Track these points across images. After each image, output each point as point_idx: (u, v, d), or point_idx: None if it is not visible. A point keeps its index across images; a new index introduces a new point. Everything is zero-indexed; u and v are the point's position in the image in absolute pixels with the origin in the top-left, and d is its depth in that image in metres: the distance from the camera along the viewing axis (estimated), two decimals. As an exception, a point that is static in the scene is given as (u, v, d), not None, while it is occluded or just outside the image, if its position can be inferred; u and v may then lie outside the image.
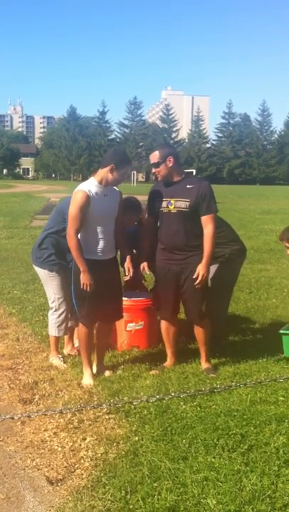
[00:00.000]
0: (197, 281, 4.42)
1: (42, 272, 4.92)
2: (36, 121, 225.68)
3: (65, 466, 3.21)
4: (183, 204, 4.46)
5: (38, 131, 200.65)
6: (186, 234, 4.50)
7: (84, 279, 4.25)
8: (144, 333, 5.17)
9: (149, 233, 4.78)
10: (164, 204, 4.55)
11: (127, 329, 5.10)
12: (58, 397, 4.16)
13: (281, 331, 4.87)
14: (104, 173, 4.30)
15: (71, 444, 3.46)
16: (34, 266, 5.02)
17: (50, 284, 4.87)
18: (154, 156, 4.57)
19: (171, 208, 4.50)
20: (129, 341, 5.15)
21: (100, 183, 4.32)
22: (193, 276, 4.43)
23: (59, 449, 3.42)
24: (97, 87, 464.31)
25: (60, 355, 5.00)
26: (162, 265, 4.65)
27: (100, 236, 4.38)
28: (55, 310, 4.88)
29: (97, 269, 4.28)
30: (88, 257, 4.28)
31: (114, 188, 4.49)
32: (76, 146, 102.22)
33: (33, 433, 3.66)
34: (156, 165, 4.55)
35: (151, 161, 4.65)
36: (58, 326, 4.89)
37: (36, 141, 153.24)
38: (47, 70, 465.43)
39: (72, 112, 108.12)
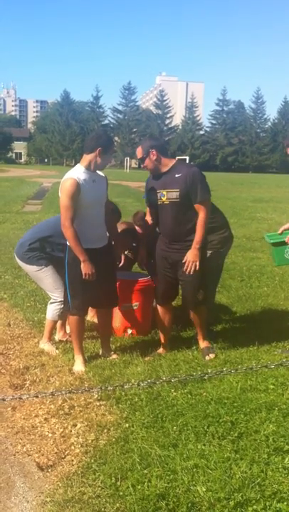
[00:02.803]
0: (185, 267, 4.41)
1: (30, 268, 4.87)
2: (29, 105, 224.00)
3: (56, 452, 3.22)
4: (174, 194, 4.43)
5: (31, 115, 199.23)
6: (181, 224, 4.49)
7: (85, 268, 4.21)
8: (138, 313, 5.15)
9: (149, 228, 4.85)
10: (158, 196, 4.54)
11: (122, 309, 5.08)
12: (49, 383, 4.16)
13: (270, 241, 4.71)
14: (91, 157, 4.25)
15: (62, 430, 3.46)
16: (21, 262, 4.92)
17: (44, 277, 4.83)
18: (138, 152, 4.57)
19: (164, 199, 4.50)
20: (123, 322, 5.13)
21: (88, 168, 4.27)
22: (182, 261, 4.43)
23: (50, 435, 3.42)
24: (92, 71, 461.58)
25: (51, 342, 4.99)
26: (161, 253, 4.65)
27: (92, 223, 4.35)
28: (59, 300, 4.80)
29: (93, 257, 4.25)
30: (84, 246, 4.24)
31: (100, 173, 4.44)
32: (69, 131, 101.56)
33: (23, 419, 3.66)
34: (142, 160, 4.57)
35: (137, 157, 4.66)
36: (59, 313, 4.89)
37: (29, 125, 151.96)
38: (41, 54, 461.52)
39: (65, 96, 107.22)
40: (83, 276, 4.23)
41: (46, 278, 4.82)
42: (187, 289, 4.63)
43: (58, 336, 5.16)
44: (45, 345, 4.91)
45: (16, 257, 4.98)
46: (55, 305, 4.84)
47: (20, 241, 4.96)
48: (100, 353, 4.72)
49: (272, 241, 4.62)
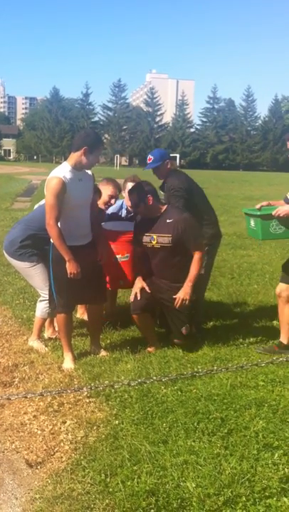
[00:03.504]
0: (176, 303, 4.50)
1: (22, 265, 4.81)
2: (18, 102, 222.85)
3: (45, 449, 3.20)
4: (166, 239, 4.55)
5: (20, 112, 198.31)
6: (172, 268, 4.63)
7: (70, 268, 4.19)
8: (129, 265, 5.03)
9: (137, 257, 4.87)
10: (147, 239, 4.62)
11: (113, 260, 4.96)
12: (38, 381, 4.14)
13: (258, 213, 4.64)
14: (77, 156, 4.20)
15: (51, 427, 3.44)
16: (11, 258, 4.85)
17: (35, 274, 4.78)
18: (133, 198, 4.62)
19: (154, 243, 4.60)
20: (115, 273, 5.02)
21: (74, 167, 4.23)
22: (173, 296, 4.52)
23: (39, 432, 3.41)
24: (81, 68, 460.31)
25: (40, 339, 4.97)
26: (152, 281, 4.72)
27: (78, 221, 4.33)
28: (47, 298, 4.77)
29: (79, 255, 4.23)
30: (69, 243, 4.21)
31: (87, 171, 4.40)
32: (59, 128, 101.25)
33: (12, 416, 3.64)
34: (136, 206, 4.63)
35: (130, 203, 4.70)
36: (48, 311, 4.85)
37: (18, 122, 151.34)
38: (30, 50, 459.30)
39: (55, 93, 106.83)
40: (68, 275, 4.21)
41: (37, 275, 4.78)
42: (173, 321, 4.71)
43: (47, 334, 5.14)
44: (34, 342, 4.89)
45: (5, 254, 4.91)
46: (45, 303, 4.81)
47: (10, 238, 4.87)
48: (90, 350, 4.70)
49: (259, 213, 4.56)
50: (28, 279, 4.96)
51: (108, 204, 5.19)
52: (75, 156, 4.21)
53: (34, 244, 4.73)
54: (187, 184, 5.04)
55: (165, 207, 4.65)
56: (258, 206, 4.61)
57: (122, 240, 4.99)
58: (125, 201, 5.46)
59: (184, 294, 4.49)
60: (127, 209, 5.48)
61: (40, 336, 4.98)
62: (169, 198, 4.95)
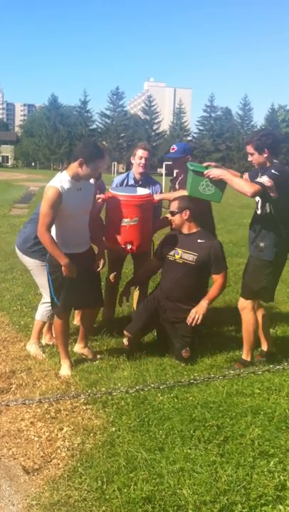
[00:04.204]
0: (189, 318, 4.56)
1: (33, 262, 4.85)
2: (17, 109, 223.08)
3: (42, 456, 3.22)
4: (190, 257, 4.67)
5: (19, 118, 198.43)
6: (187, 287, 4.71)
7: (66, 271, 4.22)
8: (138, 229, 4.92)
9: (148, 267, 5.11)
10: (171, 252, 4.75)
11: (122, 224, 4.87)
12: (35, 387, 4.15)
13: (191, 168, 4.62)
14: (74, 167, 4.23)
15: (48, 433, 3.46)
16: (23, 255, 4.92)
17: (43, 273, 4.81)
18: (174, 205, 4.78)
19: (178, 257, 4.71)
20: (123, 237, 4.93)
21: (72, 177, 4.26)
22: (188, 317, 4.58)
23: (36, 438, 3.42)
24: (80, 76, 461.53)
25: (38, 344, 4.98)
26: (156, 300, 4.81)
27: (74, 230, 4.36)
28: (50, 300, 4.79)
29: (76, 261, 4.26)
30: (66, 251, 4.24)
31: (89, 181, 4.44)
32: (57, 135, 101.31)
33: (9, 422, 3.65)
34: (172, 213, 4.78)
35: (170, 209, 4.82)
36: (49, 314, 4.87)
37: (16, 128, 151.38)
38: (29, 58, 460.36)
39: (53, 100, 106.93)
40: (64, 275, 4.26)
41: (45, 273, 4.80)
42: (176, 344, 4.74)
43: (44, 340, 5.15)
44: (31, 346, 4.90)
45: (18, 252, 4.96)
46: (46, 305, 4.83)
47: (23, 236, 4.94)
48: (75, 348, 4.76)
49: (192, 168, 4.57)
50: (37, 277, 4.97)
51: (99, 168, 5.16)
52: (72, 167, 4.24)
53: None
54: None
55: (198, 229, 4.80)
56: (205, 164, 4.61)
57: (132, 204, 4.88)
58: (134, 169, 5.45)
59: (200, 309, 4.57)
60: (134, 178, 5.47)
61: (38, 341, 4.99)
62: (184, 186, 5.02)
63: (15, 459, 3.23)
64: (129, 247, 4.92)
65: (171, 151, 5.28)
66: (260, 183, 4.16)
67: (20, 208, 20.54)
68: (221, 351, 4.90)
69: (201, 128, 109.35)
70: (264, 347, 4.94)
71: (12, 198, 24.33)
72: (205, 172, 4.46)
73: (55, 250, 4.19)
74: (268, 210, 4.37)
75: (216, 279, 4.74)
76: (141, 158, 5.30)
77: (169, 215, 4.86)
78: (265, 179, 4.16)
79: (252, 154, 4.44)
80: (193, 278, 4.71)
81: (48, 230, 4.16)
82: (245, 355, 4.62)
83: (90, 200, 4.45)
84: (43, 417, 3.66)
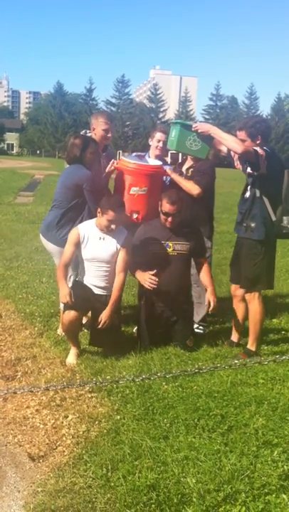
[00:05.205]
0: (211, 308, 4.61)
1: (58, 250, 4.82)
2: (22, 96, 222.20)
3: (47, 443, 3.24)
4: (184, 247, 4.66)
5: (24, 106, 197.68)
6: (181, 276, 4.73)
7: (61, 297, 4.42)
8: (146, 198, 4.84)
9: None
10: (160, 246, 4.66)
11: (130, 193, 4.80)
12: (41, 375, 4.18)
13: (178, 121, 4.64)
14: (98, 217, 4.46)
15: (53, 421, 3.48)
16: (48, 242, 4.90)
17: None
18: (173, 208, 4.61)
19: (170, 250, 4.65)
20: (130, 205, 4.85)
21: (97, 225, 4.47)
22: (206, 304, 4.69)
23: (41, 426, 3.44)
24: (85, 63, 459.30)
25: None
26: (154, 310, 4.77)
27: (90, 275, 4.55)
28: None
29: (90, 299, 4.52)
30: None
31: (119, 232, 4.52)
32: (62, 123, 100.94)
33: (15, 410, 3.68)
34: (174, 216, 4.62)
35: (168, 210, 4.63)
36: None
37: (22, 116, 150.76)
38: (35, 45, 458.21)
39: (59, 88, 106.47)
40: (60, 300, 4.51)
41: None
42: (178, 336, 4.77)
43: (59, 330, 5.11)
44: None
45: (42, 239, 4.97)
46: None
47: (45, 223, 4.98)
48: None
49: (180, 121, 4.52)
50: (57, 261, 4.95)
51: (106, 138, 5.09)
52: (98, 216, 4.47)
53: (70, 219, 4.80)
54: (212, 171, 5.12)
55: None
56: (195, 125, 4.55)
57: (142, 172, 4.82)
58: (150, 151, 5.34)
59: (214, 297, 4.63)
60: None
61: None
62: (195, 175, 4.96)
63: (20, 446, 3.25)
64: (135, 216, 4.87)
65: None
66: (253, 149, 4.22)
67: (26, 196, 20.56)
68: (226, 341, 4.91)
69: (207, 117, 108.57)
70: (234, 338, 4.95)
71: (17, 186, 24.33)
72: (193, 126, 4.43)
73: (59, 281, 4.45)
74: (257, 194, 4.39)
75: (203, 263, 4.78)
76: (159, 141, 5.19)
77: (163, 216, 4.67)
78: (258, 148, 4.24)
79: (244, 141, 4.40)
80: (185, 266, 4.77)
81: (64, 264, 4.45)
82: (251, 345, 4.63)
83: (113, 252, 4.51)
84: (48, 404, 3.69)
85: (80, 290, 4.47)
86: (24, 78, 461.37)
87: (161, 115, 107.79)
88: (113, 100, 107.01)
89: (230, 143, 4.26)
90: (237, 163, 4.74)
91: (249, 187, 4.45)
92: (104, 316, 4.36)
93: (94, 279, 4.55)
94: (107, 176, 4.94)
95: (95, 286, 4.55)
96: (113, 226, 4.41)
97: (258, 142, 4.38)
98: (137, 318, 4.85)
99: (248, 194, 4.46)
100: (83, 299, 4.43)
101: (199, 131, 4.45)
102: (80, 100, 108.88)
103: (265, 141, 4.44)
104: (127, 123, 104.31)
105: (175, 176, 4.89)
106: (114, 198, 4.58)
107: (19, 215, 14.02)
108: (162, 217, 4.65)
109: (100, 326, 4.37)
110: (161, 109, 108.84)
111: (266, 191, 4.38)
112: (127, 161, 4.81)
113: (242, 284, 4.66)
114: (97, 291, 4.55)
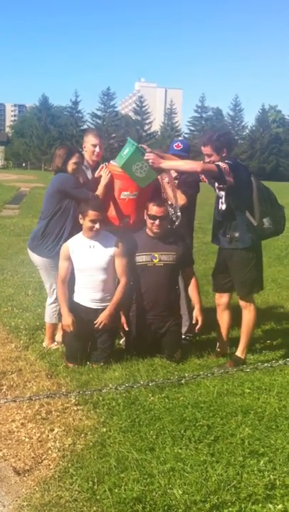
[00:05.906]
0: (198, 327, 4.68)
1: (41, 261, 4.87)
2: (7, 109, 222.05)
3: (33, 457, 3.21)
4: (170, 257, 4.65)
5: (9, 119, 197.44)
6: (169, 287, 4.72)
7: (63, 320, 4.53)
8: (136, 203, 4.80)
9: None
10: (145, 258, 4.64)
11: (121, 197, 4.78)
12: (26, 388, 4.15)
13: (134, 143, 4.55)
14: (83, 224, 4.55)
15: (39, 434, 3.45)
16: (32, 253, 4.92)
17: (50, 273, 4.86)
18: (160, 211, 4.62)
19: (156, 261, 4.64)
20: (121, 210, 4.82)
21: (84, 234, 4.55)
22: (193, 322, 4.73)
23: (26, 439, 3.41)
24: (71, 76, 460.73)
25: (56, 342, 5.05)
26: (142, 322, 4.74)
27: (84, 286, 4.59)
28: (56, 298, 4.85)
29: (85, 315, 4.56)
30: (76, 299, 4.60)
31: (110, 236, 4.58)
32: (47, 135, 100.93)
33: (0, 424, 3.64)
34: (161, 218, 4.61)
35: (156, 213, 4.63)
36: (58, 314, 4.88)
37: (7, 129, 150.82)
38: (19, 57, 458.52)
39: (44, 100, 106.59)
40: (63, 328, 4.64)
41: (52, 273, 4.84)
42: (166, 349, 4.75)
43: (57, 337, 5.11)
44: (49, 348, 4.98)
45: (28, 249, 5.00)
46: (54, 306, 4.89)
47: (31, 235, 5.04)
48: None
49: (136, 145, 4.48)
50: (44, 277, 4.99)
51: (97, 154, 5.13)
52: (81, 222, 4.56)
53: (54, 227, 4.79)
54: (197, 184, 5.23)
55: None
56: (148, 155, 4.43)
57: None
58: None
59: (202, 316, 4.68)
60: None
61: (53, 341, 5.06)
62: (182, 186, 5.03)
63: (5, 460, 3.22)
64: (126, 220, 4.85)
65: (176, 147, 5.23)
66: (215, 164, 4.28)
67: (11, 208, 20.49)
68: (212, 352, 4.93)
69: (192, 128, 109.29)
70: (220, 348, 4.96)
71: (3, 199, 24.22)
72: (146, 155, 4.39)
73: (61, 304, 4.56)
74: (233, 205, 4.46)
75: (190, 276, 4.82)
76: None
77: (150, 221, 4.65)
78: (219, 163, 4.30)
79: (210, 156, 4.47)
80: (172, 277, 4.75)
81: (61, 281, 4.57)
82: (241, 353, 4.65)
83: (106, 258, 4.55)
84: (33, 417, 3.66)
85: (77, 323, 4.51)
86: (9, 91, 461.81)
87: (146, 127, 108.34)
88: (99, 113, 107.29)
89: (188, 167, 4.42)
90: (202, 177, 4.79)
91: (223, 199, 4.49)
92: (102, 317, 4.46)
93: (89, 290, 4.56)
94: (95, 182, 4.87)
95: (91, 300, 4.57)
96: (97, 225, 4.45)
97: (223, 155, 4.44)
98: (124, 330, 4.83)
99: (224, 206, 4.50)
100: (83, 337, 4.59)
101: (151, 162, 4.38)
102: (65, 113, 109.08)
103: (229, 152, 4.52)
104: (113, 135, 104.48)
105: (171, 180, 4.84)
106: (92, 201, 4.60)
107: (4, 228, 13.98)
108: (149, 221, 4.64)
109: (97, 326, 4.49)
110: (147, 121, 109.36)
111: (241, 200, 4.44)
112: (116, 166, 4.77)
113: (238, 291, 4.69)
114: (93, 305, 4.57)
